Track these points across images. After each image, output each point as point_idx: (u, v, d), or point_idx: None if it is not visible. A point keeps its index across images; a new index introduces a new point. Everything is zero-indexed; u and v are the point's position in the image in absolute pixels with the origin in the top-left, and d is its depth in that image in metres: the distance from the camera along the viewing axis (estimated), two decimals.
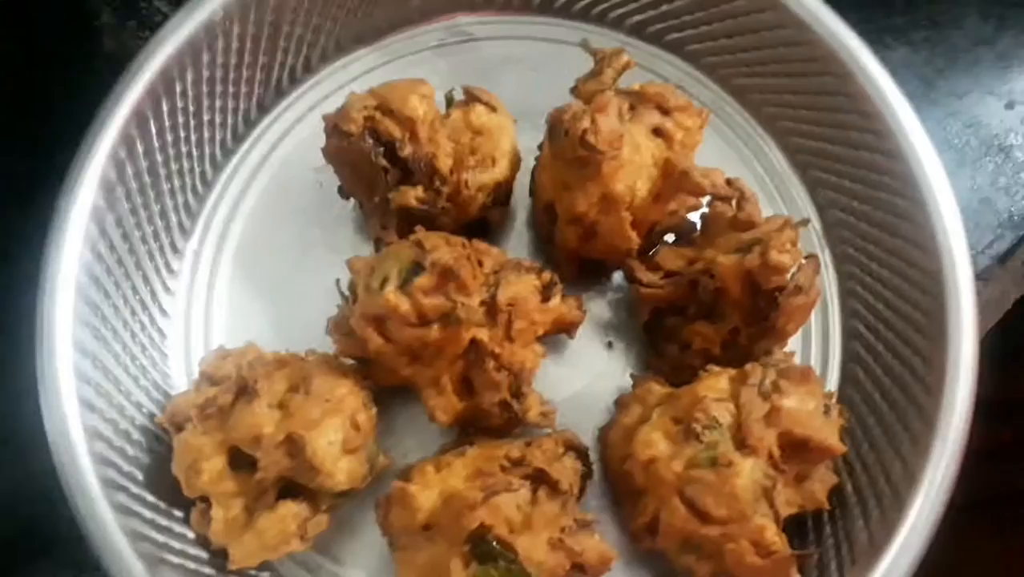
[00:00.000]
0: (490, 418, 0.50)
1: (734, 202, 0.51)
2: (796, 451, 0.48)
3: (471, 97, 0.54)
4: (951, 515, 0.48)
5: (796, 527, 0.51)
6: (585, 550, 0.45)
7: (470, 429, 0.52)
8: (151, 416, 0.52)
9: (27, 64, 0.65)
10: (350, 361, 0.51)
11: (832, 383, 0.57)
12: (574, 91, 0.54)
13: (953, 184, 0.54)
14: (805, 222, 0.50)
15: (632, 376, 0.56)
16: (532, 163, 0.57)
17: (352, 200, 0.58)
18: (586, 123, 0.47)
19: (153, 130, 0.54)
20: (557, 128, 0.50)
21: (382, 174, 0.52)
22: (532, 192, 0.57)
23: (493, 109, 0.54)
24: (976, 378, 0.49)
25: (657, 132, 0.51)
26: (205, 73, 0.56)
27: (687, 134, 0.51)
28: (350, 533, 0.53)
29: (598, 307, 0.58)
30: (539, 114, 0.54)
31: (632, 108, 0.51)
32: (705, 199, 0.53)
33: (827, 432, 0.48)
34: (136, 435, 0.50)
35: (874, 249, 0.56)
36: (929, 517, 0.47)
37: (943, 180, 0.53)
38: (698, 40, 0.62)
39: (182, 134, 0.56)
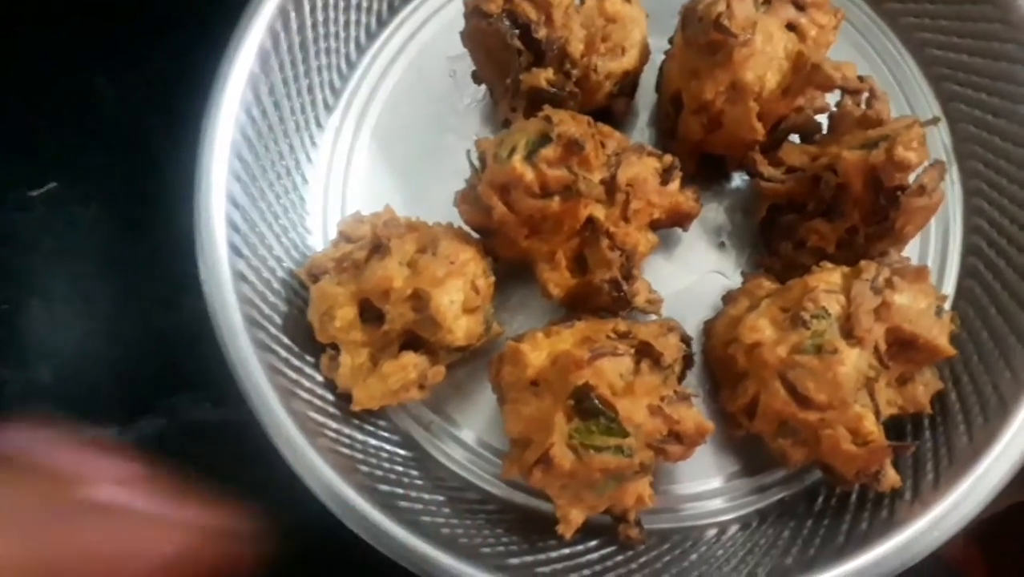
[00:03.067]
0: (599, 297, 0.52)
1: (863, 99, 0.50)
2: (903, 349, 0.48)
3: None
4: None
5: (896, 429, 0.51)
6: (683, 419, 0.47)
7: (579, 310, 0.54)
8: (290, 270, 0.56)
9: None
10: (475, 235, 0.54)
11: (947, 293, 0.56)
12: None
13: None
14: (935, 120, 0.49)
15: (743, 273, 0.57)
16: (661, 63, 0.58)
17: (484, 88, 0.60)
18: (722, 7, 0.48)
19: (307, 7, 0.58)
20: (691, 14, 0.51)
21: (516, 56, 0.54)
22: (658, 87, 0.58)
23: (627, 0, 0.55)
24: None
25: (791, 27, 0.51)
26: None
27: (821, 32, 0.51)
28: (464, 396, 0.57)
29: (713, 207, 0.59)
30: (672, 15, 0.55)
31: (768, 1, 0.51)
32: (833, 100, 0.53)
33: (937, 332, 0.48)
34: (276, 284, 0.55)
35: (1005, 165, 0.55)
36: None
37: None
38: None
39: (332, 15, 0.60)
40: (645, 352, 0.48)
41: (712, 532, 0.54)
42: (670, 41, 0.56)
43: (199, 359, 0.54)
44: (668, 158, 0.51)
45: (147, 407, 0.60)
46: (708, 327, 0.55)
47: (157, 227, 0.62)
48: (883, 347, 0.47)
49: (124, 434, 0.59)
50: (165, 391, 0.60)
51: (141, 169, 0.65)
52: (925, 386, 0.50)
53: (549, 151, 0.48)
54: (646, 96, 0.61)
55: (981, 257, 0.56)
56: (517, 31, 0.53)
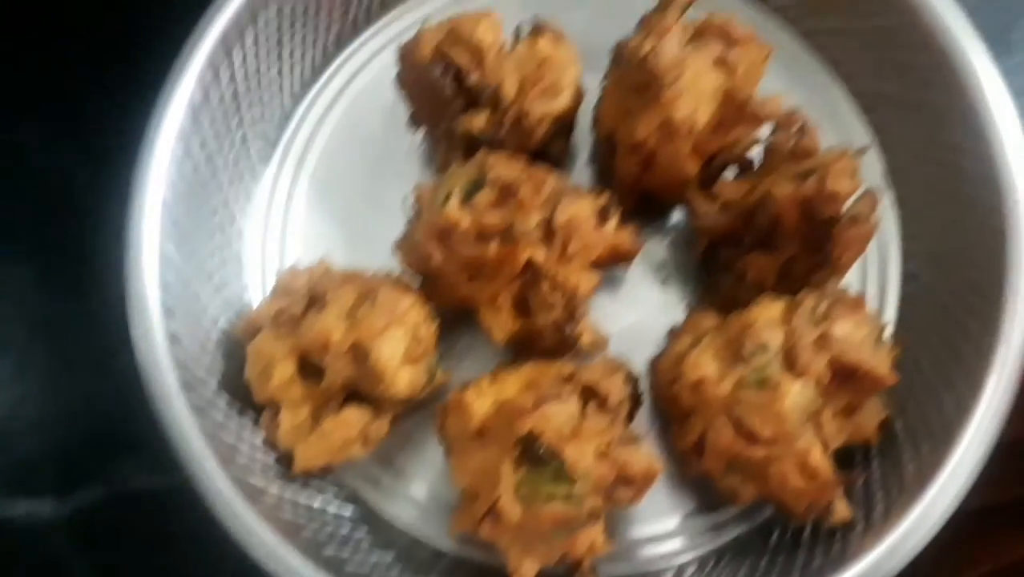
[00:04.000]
0: (544, 339, 0.51)
1: (794, 132, 0.51)
2: (846, 379, 0.48)
3: (538, 29, 0.55)
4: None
5: (844, 459, 0.51)
6: (630, 462, 0.46)
7: (525, 353, 0.54)
8: (226, 328, 0.55)
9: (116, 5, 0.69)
10: (415, 282, 0.53)
11: (888, 321, 0.56)
12: (639, 25, 0.55)
13: None
14: (864, 150, 0.50)
15: (685, 308, 0.57)
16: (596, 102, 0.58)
17: (421, 132, 0.60)
18: (648, 47, 0.48)
19: (237, 59, 0.57)
20: (621, 55, 0.51)
21: (450, 102, 0.53)
22: (594, 126, 0.58)
23: (559, 41, 0.55)
24: None
25: (720, 63, 0.51)
26: (287, 7, 0.58)
27: (750, 67, 0.52)
28: (411, 448, 0.56)
29: (654, 244, 0.59)
30: (605, 53, 0.55)
31: (695, 38, 0.52)
32: (765, 134, 0.54)
33: (878, 361, 0.48)
34: (212, 344, 0.54)
35: (938, 191, 0.56)
36: (979, 449, 0.47)
37: (1013, 119, 0.52)
38: None
39: (264, 65, 0.59)
40: (590, 395, 0.48)
41: (669, 575, 0.53)
42: (604, 79, 0.56)
43: (136, 424, 0.52)
44: (604, 197, 0.51)
45: (84, 476, 0.58)
46: (654, 365, 0.55)
47: (89, 288, 0.60)
48: (826, 378, 0.47)
49: (60, 506, 0.57)
50: (102, 459, 0.58)
51: (71, 227, 0.63)
52: (871, 415, 0.50)
53: (484, 196, 0.48)
54: (584, 135, 0.60)
55: (919, 282, 0.56)
56: (450, 77, 0.53)
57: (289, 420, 0.51)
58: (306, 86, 0.63)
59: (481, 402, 0.48)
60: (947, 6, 0.55)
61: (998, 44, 0.57)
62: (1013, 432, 0.48)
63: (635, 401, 0.52)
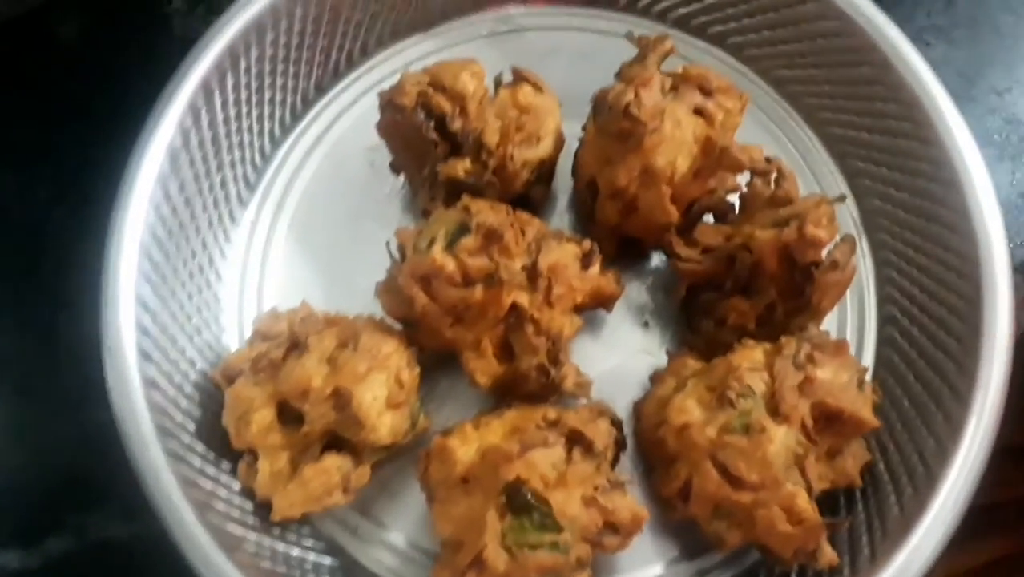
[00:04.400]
0: (528, 383, 0.51)
1: (772, 179, 0.52)
2: (829, 423, 0.48)
3: (519, 78, 0.56)
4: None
5: (828, 503, 0.51)
6: (617, 508, 0.46)
7: (508, 397, 0.53)
8: (204, 373, 0.54)
9: (98, 47, 0.69)
10: (397, 326, 0.53)
11: (867, 365, 0.57)
12: (618, 75, 0.56)
13: (993, 178, 0.54)
14: (842, 198, 0.51)
15: (668, 353, 0.57)
16: (576, 148, 0.59)
17: (402, 177, 0.60)
18: (630, 96, 0.49)
19: (218, 103, 0.57)
20: (602, 103, 0.52)
21: (432, 147, 0.54)
22: (574, 173, 0.59)
23: (539, 90, 0.56)
24: (1011, 357, 0.50)
25: (699, 112, 0.52)
26: (268, 52, 0.59)
27: (728, 115, 0.53)
28: (391, 496, 0.54)
29: (635, 287, 0.59)
30: (584, 101, 0.56)
31: (675, 88, 0.53)
32: (743, 180, 0.55)
33: (860, 404, 0.48)
34: (189, 389, 0.52)
35: (911, 235, 0.57)
36: (962, 492, 0.48)
37: (980, 164, 0.54)
38: (740, 32, 0.64)
39: (244, 109, 0.59)
40: (576, 440, 0.47)
41: None
42: (583, 128, 0.57)
43: (108, 471, 0.51)
44: (587, 243, 0.51)
45: (53, 525, 0.56)
46: (637, 408, 0.55)
47: (62, 330, 0.59)
48: (810, 423, 0.47)
49: (28, 557, 0.55)
50: (72, 507, 0.56)
51: (45, 269, 0.62)
52: (854, 458, 0.51)
53: (469, 241, 0.48)
54: (564, 181, 0.61)
55: (896, 326, 0.57)
56: (432, 122, 0.53)
57: (268, 468, 0.50)
58: (286, 130, 0.63)
59: (466, 449, 0.47)
60: (915, 58, 0.57)
61: (962, 97, 0.59)
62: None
63: (619, 445, 0.51)
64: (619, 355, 0.58)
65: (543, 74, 0.57)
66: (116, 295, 0.50)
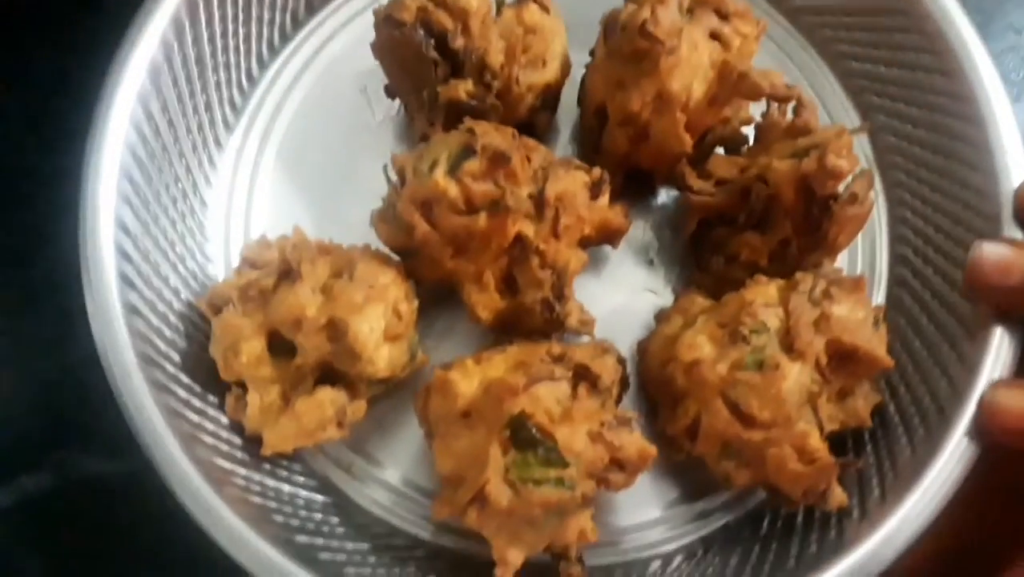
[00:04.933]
0: (531, 319, 0.49)
1: (791, 108, 0.50)
2: (843, 362, 0.47)
3: None
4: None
5: (837, 444, 0.49)
6: (624, 444, 0.44)
7: (509, 334, 0.51)
8: (189, 303, 0.51)
9: None
10: (395, 257, 0.51)
11: (878, 304, 0.55)
12: None
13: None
14: (864, 128, 0.49)
15: (673, 292, 0.55)
16: (581, 76, 0.56)
17: (397, 102, 0.57)
18: (646, 13, 0.47)
19: (203, 19, 0.53)
20: (614, 23, 0.49)
21: (432, 67, 0.51)
22: (580, 101, 0.56)
23: (546, 9, 0.53)
24: None
25: (715, 36, 0.50)
26: None
27: (744, 41, 0.50)
28: (386, 433, 0.53)
29: (640, 225, 0.57)
30: (591, 27, 0.53)
31: (691, 11, 0.50)
32: (758, 112, 0.52)
33: (876, 343, 0.47)
34: (173, 318, 0.50)
35: (927, 174, 0.55)
36: (976, 434, 0.46)
37: (1004, 99, 0.52)
38: None
39: (231, 27, 0.56)
40: (582, 375, 0.45)
41: (656, 564, 0.51)
42: (591, 54, 0.54)
43: (89, 406, 0.48)
44: (597, 171, 0.49)
45: (30, 462, 0.53)
46: (642, 347, 0.53)
47: (38, 260, 0.56)
48: (824, 360, 0.46)
49: (3, 495, 0.53)
50: (51, 444, 0.54)
51: (19, 196, 0.58)
52: (865, 399, 0.49)
53: (473, 164, 0.45)
54: (567, 112, 0.58)
55: (909, 266, 0.55)
56: (432, 40, 0.50)
57: (258, 400, 0.47)
58: (275, 51, 0.59)
59: (467, 382, 0.45)
60: None
61: (980, 34, 0.57)
62: None
63: (624, 384, 0.49)
64: (623, 294, 0.56)
65: None
66: (96, 217, 0.47)
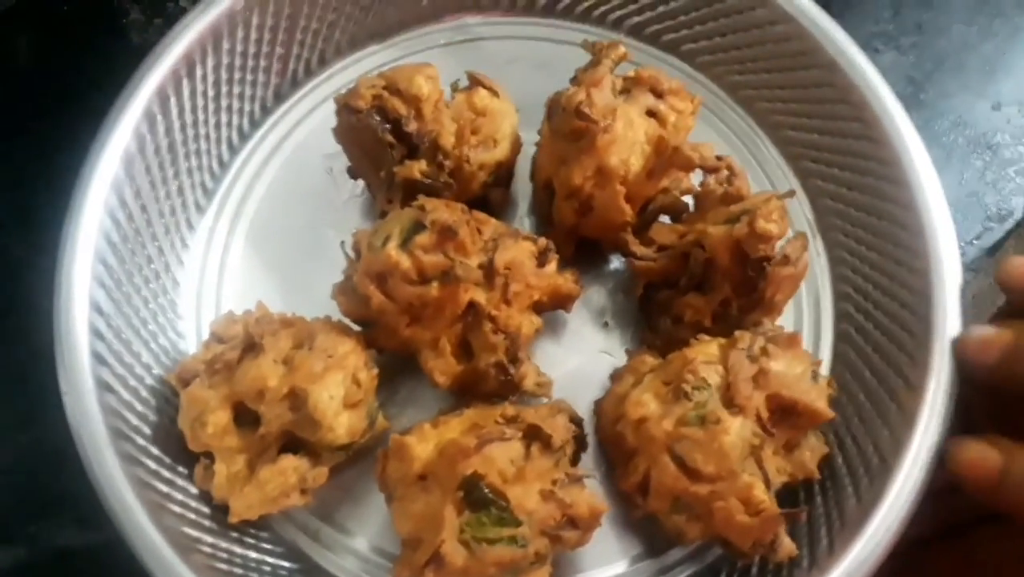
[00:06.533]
0: (487, 382, 0.51)
1: (724, 177, 0.53)
2: (785, 416, 0.49)
3: (475, 82, 0.56)
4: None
5: (788, 497, 0.51)
6: (576, 502, 0.46)
7: (468, 397, 0.53)
8: (160, 379, 0.53)
9: (53, 57, 0.68)
10: (355, 328, 0.53)
11: (824, 361, 0.58)
12: (573, 80, 0.56)
13: (942, 179, 0.55)
14: (791, 194, 0.52)
15: (627, 351, 0.57)
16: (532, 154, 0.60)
17: (360, 183, 0.60)
18: (581, 95, 0.50)
19: (174, 110, 0.57)
20: (555, 105, 0.52)
21: (388, 150, 0.54)
22: (532, 177, 0.59)
23: (495, 93, 0.56)
24: None
25: (651, 113, 0.53)
26: (225, 60, 0.59)
27: (680, 117, 0.54)
28: (353, 501, 0.54)
29: (596, 290, 0.60)
30: (541, 108, 0.56)
31: (626, 91, 0.54)
32: (697, 181, 0.55)
33: (815, 396, 0.49)
34: (144, 393, 0.52)
35: (863, 233, 0.58)
36: (917, 481, 0.48)
37: (927, 161, 0.55)
38: (693, 39, 0.65)
39: (201, 116, 0.59)
40: (534, 435, 0.47)
41: None
42: (539, 132, 0.58)
43: (61, 479, 0.50)
44: (543, 241, 0.52)
45: (4, 536, 0.55)
46: (598, 407, 0.55)
47: (15, 339, 0.58)
48: (765, 414, 0.48)
49: None
50: (24, 517, 0.55)
51: None
52: (811, 452, 0.51)
53: (424, 238, 0.48)
54: (524, 186, 0.62)
55: (851, 322, 0.58)
56: (388, 125, 0.54)
57: (224, 470, 0.49)
58: (244, 138, 0.63)
59: (423, 446, 0.47)
60: (862, 60, 0.58)
61: (911, 101, 0.61)
62: None
63: (579, 444, 0.51)
64: (580, 356, 0.58)
65: (501, 83, 0.58)
66: (70, 298, 0.50)
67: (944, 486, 0.48)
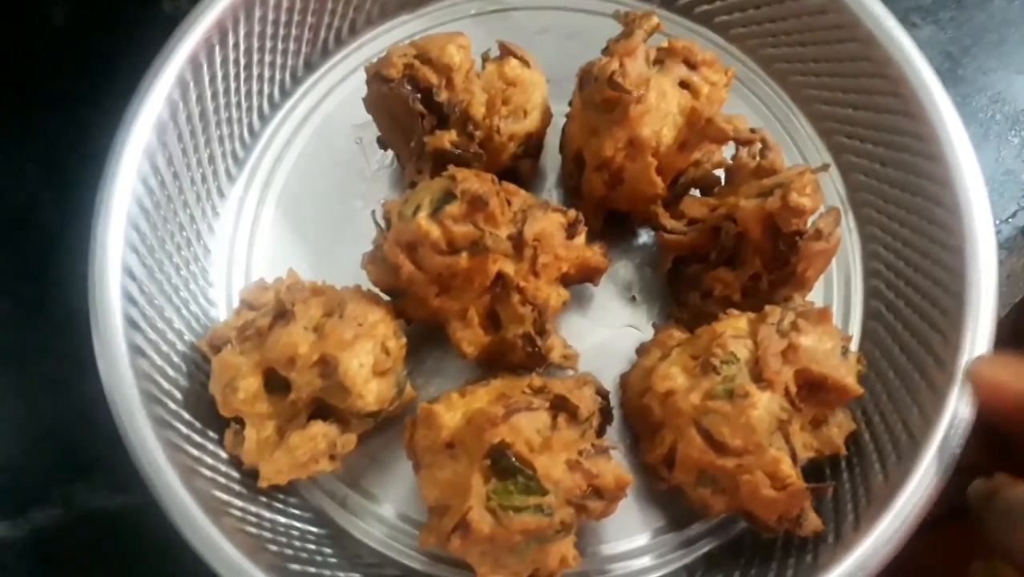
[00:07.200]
0: (514, 353, 0.51)
1: (756, 151, 0.52)
2: (813, 391, 0.49)
3: (505, 51, 0.56)
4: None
5: (815, 472, 0.51)
6: (602, 472, 0.46)
7: (495, 368, 0.53)
8: (191, 345, 0.54)
9: (87, 26, 0.69)
10: (384, 297, 0.53)
11: (853, 337, 0.57)
12: (605, 51, 0.56)
13: (978, 156, 0.54)
14: (825, 167, 0.51)
15: (654, 325, 0.57)
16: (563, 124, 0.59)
17: (390, 154, 0.60)
18: (615, 65, 0.50)
19: (206, 78, 0.57)
20: (587, 75, 0.52)
21: (419, 119, 0.54)
22: (561, 148, 0.59)
23: (526, 64, 0.56)
24: (995, 318, 0.50)
25: (684, 84, 0.53)
26: (257, 28, 0.59)
27: (713, 89, 0.53)
28: (380, 469, 0.55)
29: (623, 264, 0.60)
30: (572, 79, 0.56)
31: (660, 61, 0.53)
32: (728, 154, 0.55)
33: (844, 372, 0.48)
34: (176, 359, 0.52)
35: (896, 210, 0.58)
36: (944, 460, 0.48)
37: (964, 138, 0.54)
38: (727, 11, 0.64)
39: (232, 84, 0.59)
40: (561, 406, 0.47)
41: None
42: (570, 104, 0.57)
43: (95, 443, 0.51)
44: (572, 213, 0.52)
45: (40, 497, 0.56)
46: (623, 380, 0.55)
47: (50, 306, 0.59)
48: (793, 389, 0.47)
49: (14, 528, 0.55)
50: (60, 479, 0.56)
51: (32, 246, 0.62)
52: (839, 428, 0.51)
53: (454, 208, 0.48)
54: (553, 158, 0.61)
55: (882, 299, 0.57)
56: (419, 95, 0.54)
57: (254, 435, 0.50)
58: (275, 107, 0.63)
59: (451, 414, 0.47)
60: (900, 34, 0.57)
61: (948, 77, 0.60)
62: None
63: (605, 416, 0.51)
64: (607, 330, 0.58)
65: (531, 53, 0.57)
66: (104, 264, 0.50)
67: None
